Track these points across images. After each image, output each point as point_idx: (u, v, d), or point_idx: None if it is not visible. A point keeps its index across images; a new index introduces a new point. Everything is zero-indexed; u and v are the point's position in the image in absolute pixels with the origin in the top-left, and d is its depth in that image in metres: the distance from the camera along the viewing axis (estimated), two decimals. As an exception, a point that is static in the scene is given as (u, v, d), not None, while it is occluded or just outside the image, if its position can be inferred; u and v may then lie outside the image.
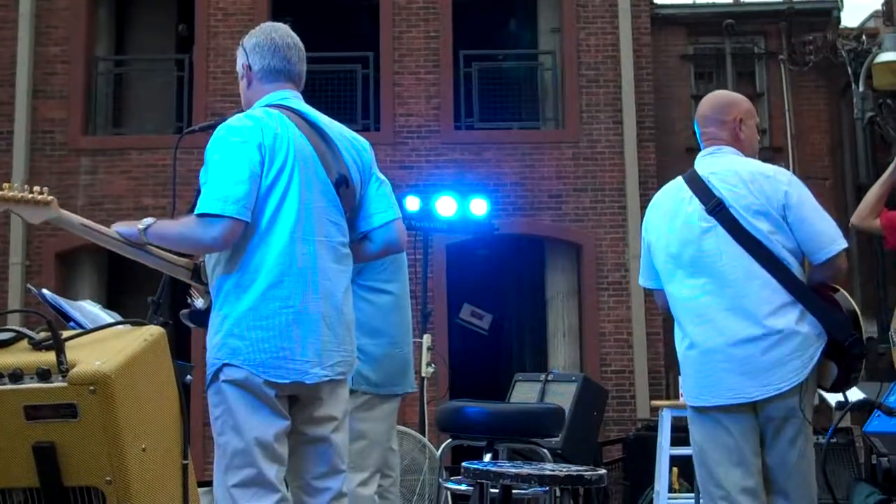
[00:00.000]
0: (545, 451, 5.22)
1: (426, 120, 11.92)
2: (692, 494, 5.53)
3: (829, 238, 3.69)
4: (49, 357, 2.78)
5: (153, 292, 3.53)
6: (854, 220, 5.26)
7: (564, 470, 3.66)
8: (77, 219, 3.23)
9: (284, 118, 3.27)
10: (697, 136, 4.07)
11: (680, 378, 4.00)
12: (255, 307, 3.09)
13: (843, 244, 3.70)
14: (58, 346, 2.77)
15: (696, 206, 3.79)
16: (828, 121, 12.91)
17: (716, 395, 3.70)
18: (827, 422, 10.83)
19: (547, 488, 4.29)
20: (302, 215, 3.20)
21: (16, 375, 2.77)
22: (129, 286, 12.36)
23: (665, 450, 6.58)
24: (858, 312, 3.76)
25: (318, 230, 3.24)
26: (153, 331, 3.01)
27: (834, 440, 7.12)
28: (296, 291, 3.14)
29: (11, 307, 10.95)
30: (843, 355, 3.64)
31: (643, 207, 11.57)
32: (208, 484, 7.28)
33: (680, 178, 3.95)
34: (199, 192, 3.25)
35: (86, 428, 2.70)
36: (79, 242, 11.64)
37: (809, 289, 3.66)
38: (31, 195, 3.19)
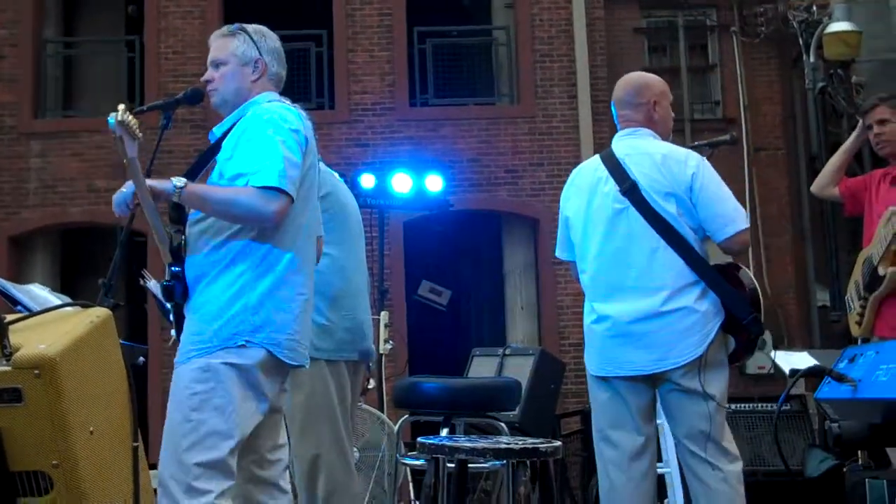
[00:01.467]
0: (502, 424, 5.24)
1: (381, 97, 11.88)
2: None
3: (729, 218, 3.94)
4: (-8, 341, 2.75)
5: (107, 275, 3.51)
6: (814, 188, 5.41)
7: (520, 443, 3.68)
8: (139, 165, 3.17)
9: (308, 119, 3.50)
10: (614, 117, 4.27)
11: (585, 350, 4.19)
12: (278, 288, 3.25)
13: (742, 225, 3.97)
14: (1, 329, 2.74)
15: (611, 186, 4.03)
16: (780, 92, 12.98)
17: (617, 366, 3.98)
18: (781, 391, 11.00)
19: (503, 461, 4.31)
20: (312, 212, 3.50)
21: (-41, 361, 2.74)
22: (83, 269, 12.24)
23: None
24: (759, 290, 4.01)
25: (316, 228, 3.58)
26: (100, 312, 2.99)
27: (787, 407, 7.21)
28: (306, 281, 3.37)
29: (-36, 294, 10.81)
30: (742, 331, 3.93)
31: (599, 181, 11.66)
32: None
33: (598, 157, 4.18)
34: (199, 164, 3.48)
35: (31, 412, 2.69)
36: (32, 226, 11.52)
37: (712, 268, 3.94)
38: (137, 129, 3.10)
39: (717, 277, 3.91)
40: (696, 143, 5.93)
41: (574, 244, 4.21)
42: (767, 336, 12.06)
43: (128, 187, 3.25)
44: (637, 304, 3.92)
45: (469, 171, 11.66)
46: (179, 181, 3.18)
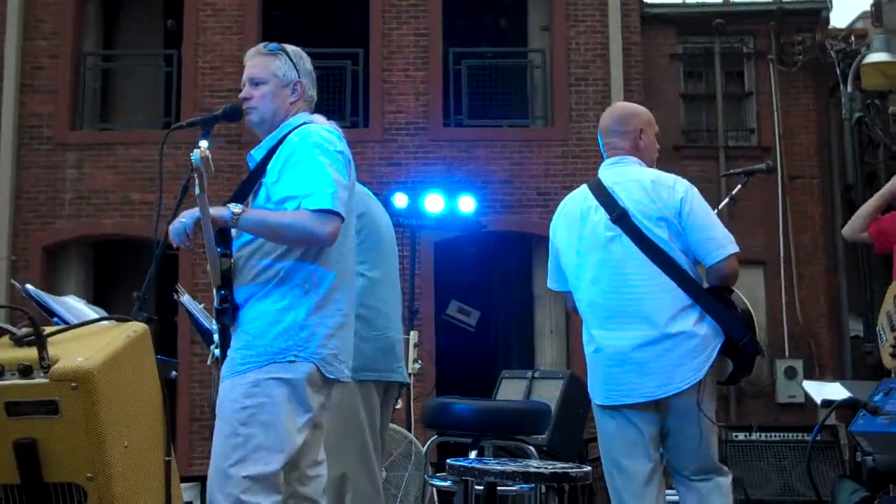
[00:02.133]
0: (531, 448, 5.22)
1: (415, 117, 11.91)
2: (674, 490, 5.55)
3: (718, 243, 3.95)
4: (31, 353, 2.76)
5: (139, 287, 3.52)
6: (846, 232, 5.47)
7: (549, 467, 3.66)
8: (205, 197, 3.19)
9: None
10: (601, 146, 4.29)
11: (588, 379, 4.17)
12: (322, 305, 3.34)
13: (732, 249, 3.96)
14: (39, 341, 2.76)
15: (601, 215, 4.03)
16: (816, 121, 12.92)
17: (622, 394, 3.97)
18: (812, 420, 10.88)
19: (532, 485, 4.29)
20: (352, 230, 3.59)
21: (-3, 371, 2.75)
22: (115, 280, 12.34)
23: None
24: (752, 312, 4.06)
25: (353, 243, 3.62)
26: (137, 327, 2.99)
27: (818, 438, 7.15)
28: (346, 297, 3.46)
29: (-3, 303, 10.92)
30: (739, 352, 3.94)
31: (631, 206, 11.62)
32: (194, 479, 7.28)
33: (585, 187, 4.17)
34: (244, 189, 3.46)
35: (67, 424, 2.69)
36: (66, 236, 11.62)
37: (706, 291, 3.95)
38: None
39: (712, 300, 3.93)
40: (731, 170, 5.92)
41: (566, 275, 4.24)
42: (799, 365, 11.98)
43: (187, 217, 3.28)
44: (636, 331, 3.92)
45: (501, 192, 11.67)
46: (236, 207, 3.25)
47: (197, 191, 3.13)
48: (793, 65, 12.85)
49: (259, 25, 12.02)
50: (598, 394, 4.08)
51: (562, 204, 4.31)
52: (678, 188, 4.00)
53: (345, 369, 3.45)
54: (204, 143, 3.10)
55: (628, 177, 4.06)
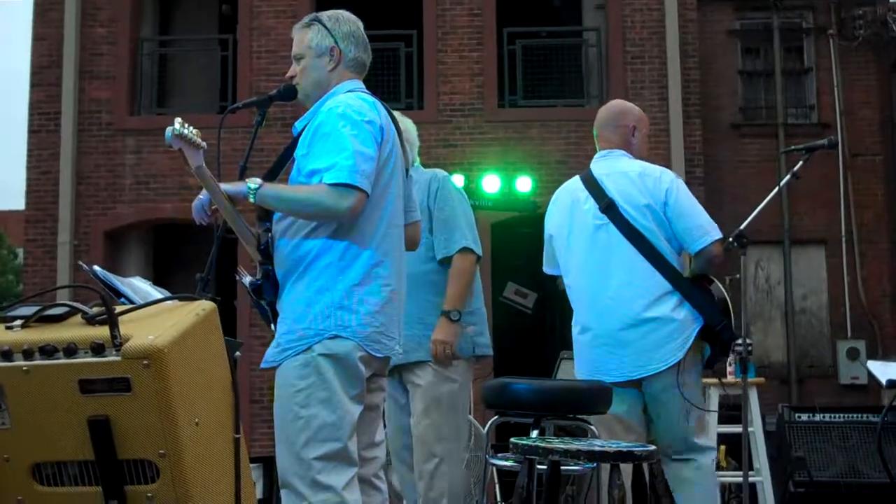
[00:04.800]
0: (592, 427, 5.18)
1: (470, 98, 11.87)
2: (740, 472, 5.49)
3: (703, 230, 4.23)
4: (103, 331, 2.78)
5: (200, 270, 3.55)
6: None
7: (614, 446, 3.63)
8: (208, 172, 3.22)
9: (384, 108, 3.43)
10: (595, 139, 4.57)
11: (574, 359, 4.47)
12: (363, 282, 3.24)
13: (716, 235, 4.23)
14: (111, 320, 2.78)
15: (591, 204, 4.32)
16: (878, 97, 12.69)
17: (603, 373, 4.24)
18: (875, 401, 10.72)
19: (595, 464, 4.27)
20: (395, 202, 3.41)
21: (70, 350, 2.78)
22: (175, 264, 12.48)
23: (713, 428, 6.54)
24: (728, 301, 4.31)
25: (400, 217, 3.47)
26: (205, 305, 3.01)
27: (886, 419, 7.04)
28: (392, 272, 3.33)
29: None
30: (715, 337, 4.21)
31: (689, 184, 11.46)
32: (256, 460, 7.35)
33: (577, 178, 4.47)
34: (280, 162, 3.47)
35: (139, 402, 2.71)
36: (126, 221, 11.77)
37: (687, 280, 4.23)
38: (199, 138, 3.15)
39: (692, 288, 4.19)
40: (792, 146, 5.83)
41: (558, 260, 4.50)
42: (861, 346, 11.80)
43: (205, 194, 3.31)
44: (618, 314, 4.19)
45: (557, 172, 11.57)
46: (254, 182, 3.21)
47: (192, 168, 3.12)
48: (853, 39, 12.62)
49: (313, 9, 12.04)
50: (582, 373, 4.38)
51: (556, 193, 4.58)
52: (664, 178, 4.27)
53: (395, 346, 3.37)
54: (178, 120, 3.06)
55: (617, 169, 4.34)
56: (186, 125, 3.09)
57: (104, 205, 11.73)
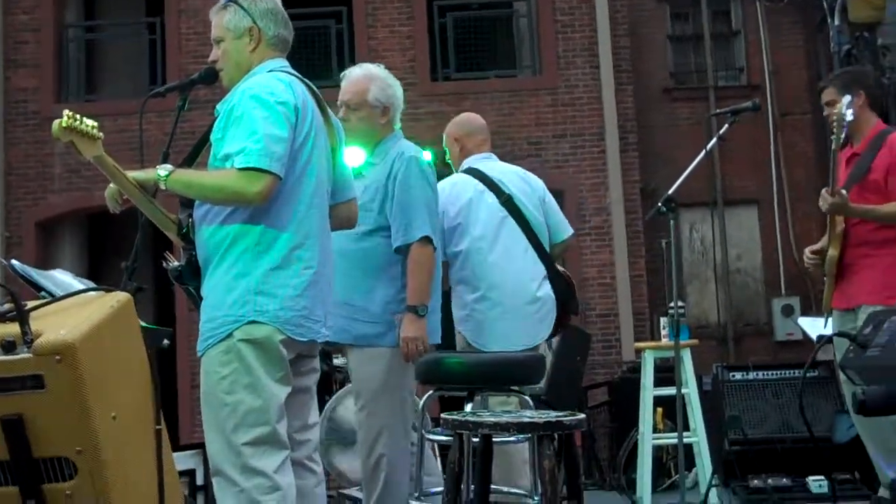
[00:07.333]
0: (527, 398, 5.22)
1: (402, 73, 11.76)
2: (675, 434, 5.58)
3: (566, 225, 5.23)
4: (14, 328, 2.76)
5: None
6: None
7: (543, 417, 3.67)
8: (110, 161, 3.20)
9: (303, 86, 3.38)
10: (462, 140, 5.23)
11: (470, 327, 4.94)
12: (281, 266, 3.23)
13: (572, 230, 5.28)
14: (21, 316, 2.75)
15: (493, 198, 4.94)
16: (805, 56, 12.83)
17: (514, 344, 4.79)
18: (809, 356, 10.90)
19: (528, 435, 4.30)
20: (316, 182, 3.37)
21: (-20, 349, 2.75)
22: (111, 252, 12.32)
23: (648, 390, 6.62)
24: (574, 283, 5.18)
25: (323, 197, 3.44)
26: (120, 297, 2.99)
27: (814, 373, 7.16)
28: (314, 254, 3.30)
29: (-7, 279, 10.92)
30: (565, 309, 5.05)
31: (623, 151, 11.59)
32: (197, 446, 7.30)
33: (469, 176, 5.01)
34: (199, 145, 3.47)
35: (54, 398, 2.69)
36: (58, 211, 11.59)
37: (553, 265, 5.04)
38: (92, 129, 3.13)
39: (556, 271, 5.02)
40: (718, 110, 5.89)
41: (452, 239, 4.93)
42: (796, 303, 11.99)
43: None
44: (522, 293, 4.88)
45: (493, 143, 11.60)
46: (164, 170, 3.19)
47: (90, 159, 3.13)
48: (779, 0, 12.74)
49: (240, -12, 11.89)
50: (491, 343, 4.84)
51: (451, 186, 4.96)
52: (538, 180, 5.16)
53: (321, 328, 3.35)
54: (66, 112, 3.08)
55: (505, 168, 5.13)
56: (79, 117, 3.06)
57: (35, 195, 11.54)
